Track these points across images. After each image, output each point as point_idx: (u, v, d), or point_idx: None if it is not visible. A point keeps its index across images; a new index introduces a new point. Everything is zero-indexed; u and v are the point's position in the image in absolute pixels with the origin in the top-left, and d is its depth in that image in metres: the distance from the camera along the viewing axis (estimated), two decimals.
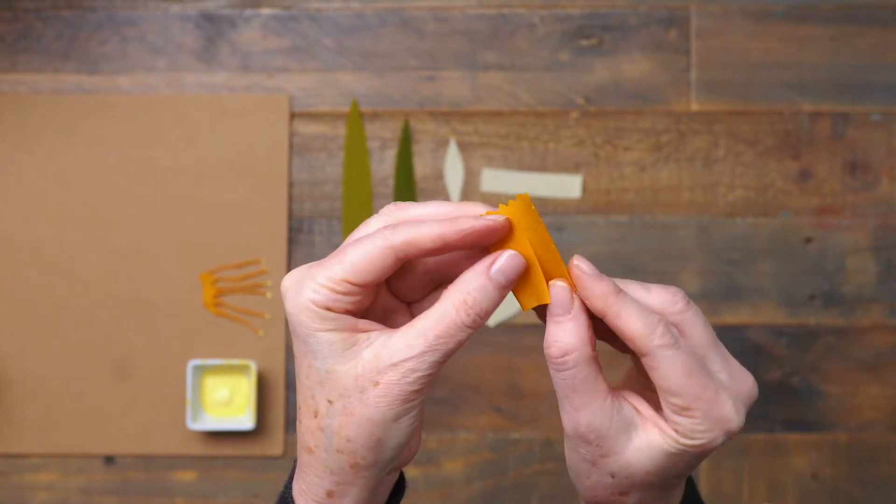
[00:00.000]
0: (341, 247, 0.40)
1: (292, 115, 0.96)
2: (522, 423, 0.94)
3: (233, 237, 0.95)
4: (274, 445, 0.93)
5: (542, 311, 0.41)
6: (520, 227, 0.39)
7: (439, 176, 0.96)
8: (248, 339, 0.94)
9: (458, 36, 0.97)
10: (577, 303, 0.39)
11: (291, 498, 0.42)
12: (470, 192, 0.95)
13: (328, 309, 0.38)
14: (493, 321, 0.94)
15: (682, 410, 0.39)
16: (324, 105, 0.96)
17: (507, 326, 0.94)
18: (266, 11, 0.97)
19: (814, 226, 0.96)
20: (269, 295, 0.94)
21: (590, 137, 0.96)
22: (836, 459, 0.94)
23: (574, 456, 0.41)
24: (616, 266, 0.94)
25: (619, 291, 0.39)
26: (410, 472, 0.93)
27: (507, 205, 0.39)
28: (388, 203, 0.97)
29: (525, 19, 0.97)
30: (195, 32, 0.97)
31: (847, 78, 0.97)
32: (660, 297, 0.40)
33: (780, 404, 0.94)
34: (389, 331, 0.39)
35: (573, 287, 0.39)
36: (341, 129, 0.96)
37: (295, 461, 0.44)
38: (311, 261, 0.98)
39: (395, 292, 0.42)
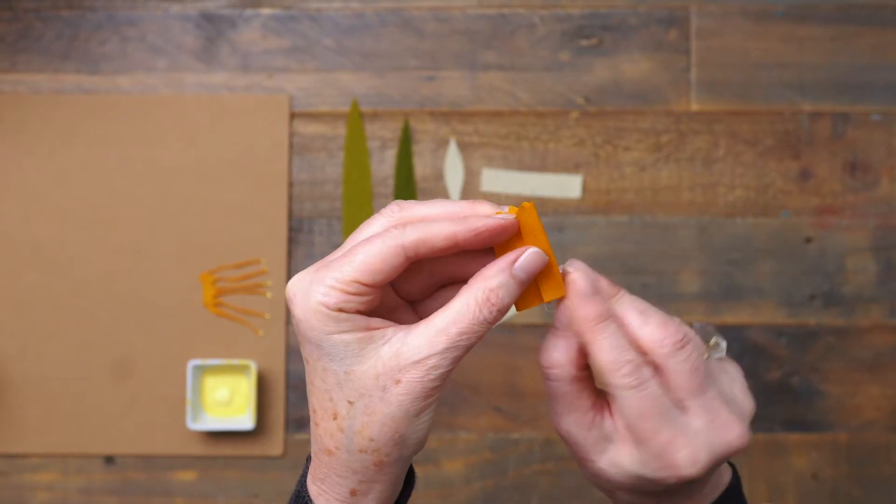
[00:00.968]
0: (348, 247, 0.40)
1: (292, 115, 0.96)
2: (522, 423, 0.94)
3: (233, 237, 0.95)
4: (274, 445, 0.93)
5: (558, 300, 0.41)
6: (526, 229, 0.39)
7: (439, 176, 0.96)
8: (248, 339, 0.94)
9: (458, 36, 0.97)
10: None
11: (309, 498, 0.42)
12: (470, 192, 0.95)
13: (340, 311, 0.38)
14: None
15: (637, 443, 0.39)
16: (324, 105, 0.96)
17: (507, 326, 0.94)
18: (266, 11, 0.97)
19: (814, 226, 0.96)
20: (269, 295, 0.94)
21: (590, 137, 0.96)
22: (836, 459, 0.94)
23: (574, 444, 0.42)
24: (616, 266, 0.94)
25: (603, 320, 0.39)
26: None
27: (515, 206, 0.39)
28: (389, 202, 0.97)
29: (525, 19, 0.97)
30: (195, 32, 0.97)
31: (847, 78, 0.97)
32: (652, 333, 0.40)
33: (780, 404, 0.94)
34: (403, 327, 0.39)
35: None
36: (341, 129, 0.96)
37: (307, 462, 0.44)
38: (311, 261, 0.98)
39: (398, 291, 0.42)
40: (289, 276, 0.94)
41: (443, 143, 0.96)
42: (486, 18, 0.97)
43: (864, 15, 0.97)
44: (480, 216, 0.39)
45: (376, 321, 0.39)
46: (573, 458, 0.42)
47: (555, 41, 0.97)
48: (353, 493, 0.40)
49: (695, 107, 0.96)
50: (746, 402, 0.42)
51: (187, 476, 0.93)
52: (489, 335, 0.94)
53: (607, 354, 0.39)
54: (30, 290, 0.94)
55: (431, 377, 0.38)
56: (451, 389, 0.94)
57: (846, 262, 0.95)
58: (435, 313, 0.39)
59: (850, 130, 0.96)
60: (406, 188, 0.95)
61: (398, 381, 0.38)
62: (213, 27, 0.97)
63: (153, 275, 0.94)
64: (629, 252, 0.95)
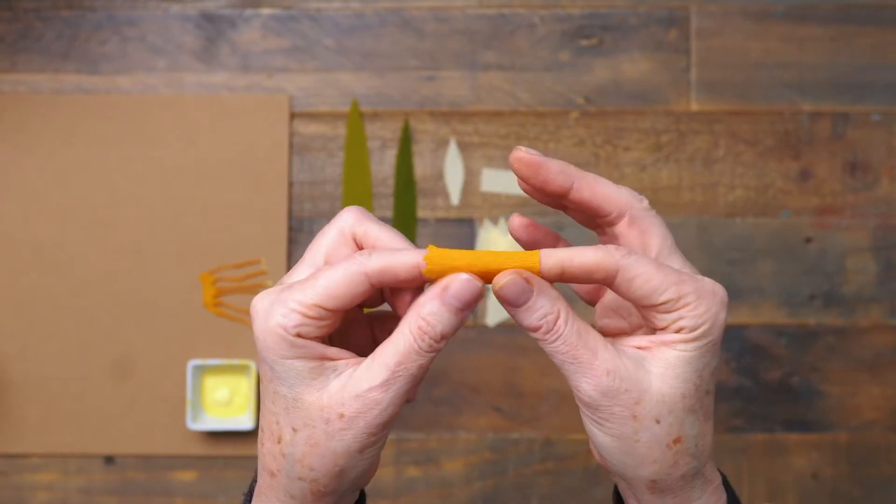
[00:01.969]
0: (308, 259, 0.40)
1: (292, 115, 0.96)
2: (522, 423, 0.94)
3: (233, 237, 0.95)
4: None
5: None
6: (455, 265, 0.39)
7: (439, 176, 0.96)
8: (248, 339, 0.94)
9: (458, 36, 0.97)
10: (536, 280, 0.39)
11: None
12: (470, 191, 0.95)
13: (299, 335, 0.38)
14: (492, 321, 0.94)
15: (676, 304, 0.38)
16: (324, 105, 0.96)
17: (507, 326, 0.94)
18: (266, 11, 0.97)
19: (814, 226, 0.96)
20: None
21: (590, 137, 0.96)
22: (836, 459, 0.94)
23: (611, 427, 0.39)
24: None
25: (558, 252, 0.39)
26: (410, 472, 0.93)
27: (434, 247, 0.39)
28: (387, 203, 0.97)
29: (525, 19, 0.97)
30: (195, 32, 0.97)
31: (847, 78, 0.97)
32: (627, 193, 0.41)
33: (780, 404, 0.94)
34: (358, 360, 0.39)
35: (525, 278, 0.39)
36: (341, 129, 0.96)
37: (253, 478, 0.44)
38: None
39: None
40: None
41: (443, 143, 0.96)
42: (486, 18, 0.97)
43: (864, 15, 0.97)
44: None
45: (333, 351, 0.39)
46: (630, 417, 0.39)
47: (555, 41, 0.97)
48: None
49: (695, 107, 0.96)
50: None
51: (187, 476, 0.93)
52: (489, 335, 0.94)
53: (589, 252, 0.38)
54: (30, 290, 0.94)
55: (374, 413, 0.38)
56: (451, 389, 0.94)
57: (846, 262, 0.95)
58: (379, 346, 0.39)
59: (850, 130, 0.96)
60: (406, 188, 0.95)
61: (341, 416, 0.38)
62: (213, 27, 0.97)
63: (153, 275, 0.94)
64: None
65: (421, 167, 0.96)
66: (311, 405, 0.38)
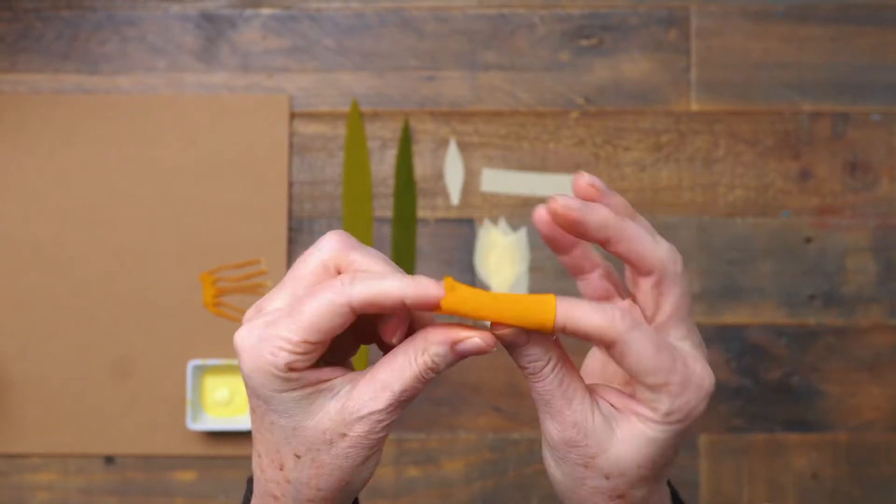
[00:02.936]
0: (288, 289, 0.39)
1: (292, 115, 0.96)
2: (522, 423, 0.94)
3: (233, 237, 0.95)
4: None
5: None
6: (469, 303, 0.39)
7: (439, 176, 0.96)
8: None
9: (458, 36, 0.97)
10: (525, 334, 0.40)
11: None
12: (470, 191, 0.95)
13: (290, 369, 0.38)
14: None
15: (660, 387, 0.38)
16: (324, 105, 0.96)
17: None
18: (266, 11, 0.97)
19: (814, 226, 0.96)
20: None
21: (590, 137, 0.96)
22: (836, 459, 0.94)
23: (564, 467, 0.41)
24: (616, 267, 0.94)
25: (569, 310, 0.39)
26: (410, 472, 0.93)
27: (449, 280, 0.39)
28: (387, 203, 0.97)
29: (525, 19, 0.97)
30: (195, 32, 0.97)
31: (847, 78, 0.97)
32: (662, 255, 0.40)
33: (780, 404, 0.94)
34: (350, 378, 0.40)
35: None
36: (341, 129, 0.96)
37: (246, 494, 0.44)
38: None
39: None
40: None
41: (443, 143, 0.96)
42: (486, 18, 0.97)
43: (864, 15, 0.97)
44: (431, 282, 0.38)
45: (326, 372, 0.39)
46: (582, 466, 0.40)
47: (555, 41, 0.97)
48: None
49: (695, 107, 0.96)
50: None
51: (187, 476, 0.93)
52: None
53: (594, 315, 0.38)
54: (30, 290, 0.94)
55: (376, 430, 0.39)
56: (451, 389, 0.94)
57: (846, 262, 0.95)
58: (377, 366, 0.40)
59: (850, 130, 0.96)
60: (406, 188, 0.95)
61: (344, 436, 0.39)
62: (213, 27, 0.97)
63: (153, 275, 0.94)
64: None
65: (421, 167, 0.96)
66: (312, 430, 0.39)
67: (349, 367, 0.42)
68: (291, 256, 0.95)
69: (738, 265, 0.95)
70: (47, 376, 0.93)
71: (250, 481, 0.44)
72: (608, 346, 0.38)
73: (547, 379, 0.40)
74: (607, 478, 0.40)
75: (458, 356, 0.40)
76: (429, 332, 0.40)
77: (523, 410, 0.94)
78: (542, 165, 0.96)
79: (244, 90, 0.96)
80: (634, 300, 0.42)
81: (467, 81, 0.96)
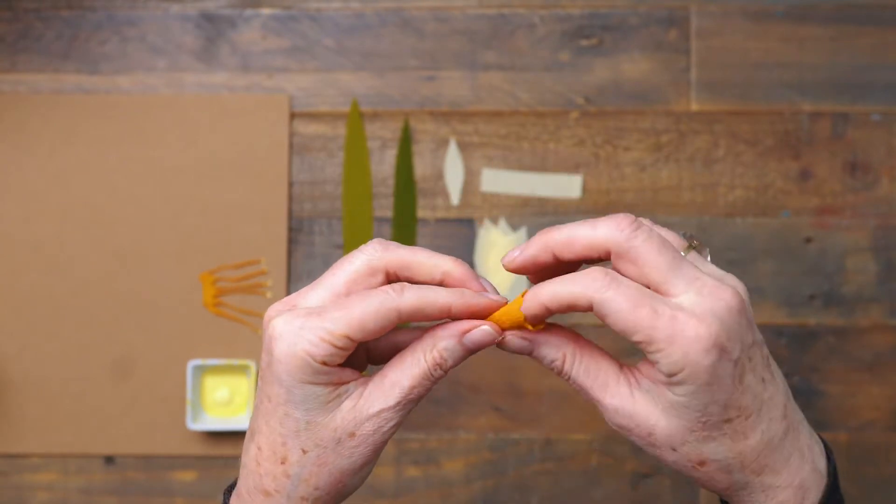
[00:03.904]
0: (327, 284, 0.40)
1: (292, 115, 0.96)
2: (522, 423, 0.94)
3: (233, 237, 0.95)
4: None
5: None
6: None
7: (439, 176, 0.96)
8: (248, 339, 0.94)
9: (458, 36, 0.97)
10: (531, 336, 0.42)
11: None
12: (470, 191, 0.95)
13: (324, 363, 0.39)
14: None
15: (648, 346, 0.38)
16: (324, 105, 0.96)
17: None
18: (266, 11, 0.97)
19: (814, 226, 0.96)
20: (269, 295, 0.94)
21: (590, 137, 0.96)
22: (836, 459, 0.94)
23: (645, 450, 0.41)
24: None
25: (542, 288, 0.39)
26: (410, 472, 0.93)
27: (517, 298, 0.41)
28: (387, 203, 0.97)
29: (525, 19, 0.97)
30: (195, 32, 0.97)
31: (847, 78, 0.97)
32: (605, 230, 0.39)
33: None
34: (363, 380, 0.41)
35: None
36: (341, 129, 0.96)
37: (227, 491, 0.44)
38: (311, 261, 0.98)
39: None
40: (289, 277, 0.95)
41: (443, 143, 0.96)
42: (486, 18, 0.97)
43: (864, 15, 0.97)
44: (474, 293, 0.41)
45: (348, 373, 0.40)
46: (650, 446, 0.40)
47: (555, 41, 0.97)
48: None
49: (695, 107, 0.96)
50: (731, 278, 0.41)
51: (187, 476, 0.93)
52: None
53: (561, 287, 0.39)
54: (30, 290, 0.94)
55: (384, 430, 0.40)
56: (451, 389, 0.94)
57: (846, 262, 0.95)
58: (387, 367, 0.41)
59: (850, 130, 0.96)
60: (406, 188, 0.95)
61: (353, 435, 0.40)
62: (213, 27, 0.97)
63: (153, 275, 0.94)
64: None
65: (421, 167, 0.96)
66: (325, 427, 0.40)
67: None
68: (291, 256, 0.95)
69: (738, 265, 0.95)
70: (47, 376, 0.93)
71: (227, 492, 0.44)
72: (589, 310, 0.38)
73: (573, 373, 0.41)
74: (674, 450, 0.40)
75: (466, 349, 0.41)
76: (436, 331, 0.41)
77: (523, 410, 0.94)
78: (542, 165, 0.96)
79: (244, 90, 0.96)
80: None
81: (467, 81, 0.96)
